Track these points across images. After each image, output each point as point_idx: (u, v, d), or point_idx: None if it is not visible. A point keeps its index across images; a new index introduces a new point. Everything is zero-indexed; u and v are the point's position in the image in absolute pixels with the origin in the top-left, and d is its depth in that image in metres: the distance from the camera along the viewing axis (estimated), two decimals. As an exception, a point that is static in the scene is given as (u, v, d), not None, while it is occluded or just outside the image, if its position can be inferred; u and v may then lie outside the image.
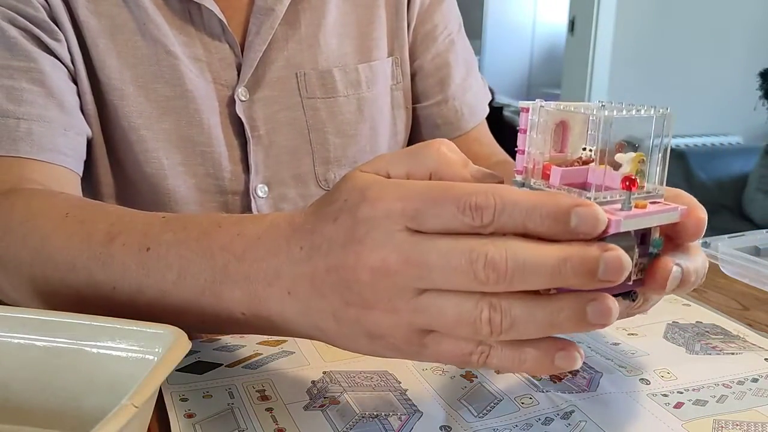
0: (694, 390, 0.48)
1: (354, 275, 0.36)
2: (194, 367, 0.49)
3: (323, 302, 0.38)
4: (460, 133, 0.86)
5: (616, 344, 0.55)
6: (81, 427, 0.40)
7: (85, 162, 0.70)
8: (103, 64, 0.69)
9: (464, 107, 0.85)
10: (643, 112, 0.39)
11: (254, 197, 0.76)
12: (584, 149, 0.39)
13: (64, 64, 0.68)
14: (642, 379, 0.50)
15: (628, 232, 0.37)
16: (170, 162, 0.72)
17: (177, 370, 0.48)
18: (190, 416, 0.44)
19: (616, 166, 0.38)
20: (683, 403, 0.47)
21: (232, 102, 0.73)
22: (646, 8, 3.21)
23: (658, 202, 0.39)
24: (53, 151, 0.64)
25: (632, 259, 0.36)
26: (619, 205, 0.37)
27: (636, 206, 0.37)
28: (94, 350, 0.42)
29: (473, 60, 0.90)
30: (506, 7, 5.53)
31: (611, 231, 0.35)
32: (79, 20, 0.68)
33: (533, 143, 0.40)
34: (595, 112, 0.37)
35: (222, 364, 0.50)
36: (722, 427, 0.44)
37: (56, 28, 0.67)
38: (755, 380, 0.50)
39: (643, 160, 0.38)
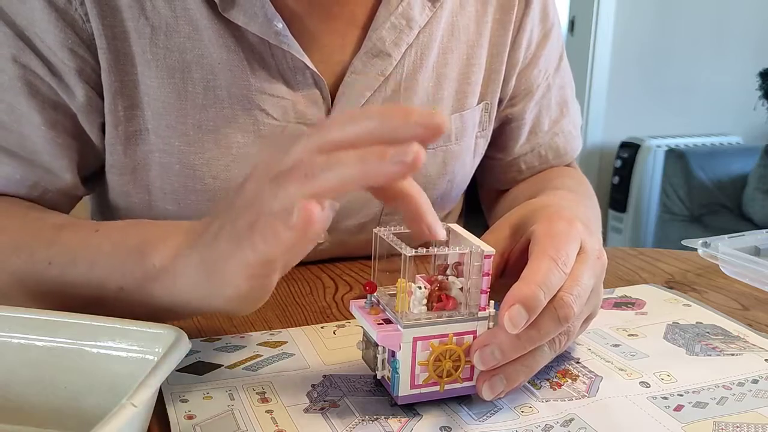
0: (694, 392, 0.48)
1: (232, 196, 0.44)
2: (194, 367, 0.49)
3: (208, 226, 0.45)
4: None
5: (616, 346, 0.55)
6: (81, 427, 0.40)
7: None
8: (161, 103, 0.63)
9: (550, 152, 0.81)
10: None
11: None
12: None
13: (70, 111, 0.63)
14: (642, 381, 0.50)
15: None
16: None
17: (177, 371, 0.48)
18: (190, 417, 0.44)
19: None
20: (683, 406, 0.47)
21: None
22: (646, 8, 3.20)
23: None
24: None
25: None
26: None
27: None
28: (94, 350, 0.42)
29: (570, 94, 0.83)
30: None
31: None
32: (135, 55, 0.62)
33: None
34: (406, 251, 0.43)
35: (222, 365, 0.50)
36: (722, 429, 0.44)
37: (68, 78, 0.61)
38: (755, 381, 0.50)
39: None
